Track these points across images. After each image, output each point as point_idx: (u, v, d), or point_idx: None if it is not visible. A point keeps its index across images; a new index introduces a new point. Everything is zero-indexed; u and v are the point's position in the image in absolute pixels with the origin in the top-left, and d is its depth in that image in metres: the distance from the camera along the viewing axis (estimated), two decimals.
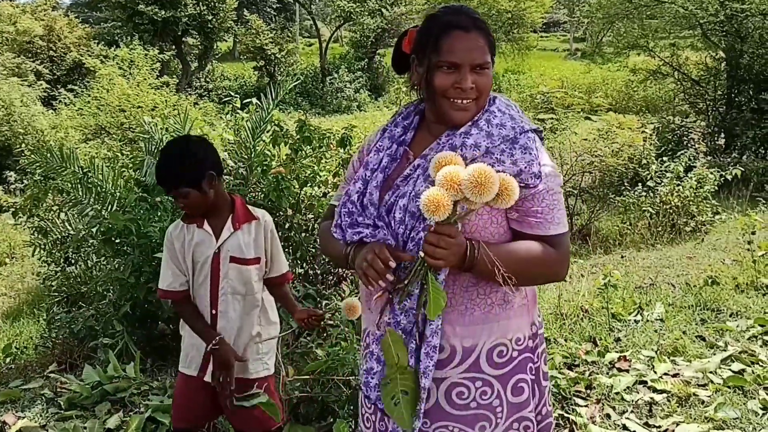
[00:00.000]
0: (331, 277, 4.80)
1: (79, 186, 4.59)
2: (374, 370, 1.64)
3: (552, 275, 1.62)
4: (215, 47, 30.96)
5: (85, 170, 4.62)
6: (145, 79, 15.42)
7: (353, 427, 3.26)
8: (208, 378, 2.45)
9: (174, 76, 19.01)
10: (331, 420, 3.33)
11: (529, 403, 1.63)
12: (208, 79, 28.10)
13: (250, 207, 2.50)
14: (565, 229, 1.59)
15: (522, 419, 1.63)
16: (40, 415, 3.68)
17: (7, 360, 4.96)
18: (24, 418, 3.63)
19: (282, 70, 28.21)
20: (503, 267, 1.45)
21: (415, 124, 1.70)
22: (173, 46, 27.31)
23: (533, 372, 1.66)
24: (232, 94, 6.47)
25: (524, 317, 1.64)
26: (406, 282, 1.50)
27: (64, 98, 17.46)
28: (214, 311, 2.43)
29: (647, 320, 4.42)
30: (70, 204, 4.89)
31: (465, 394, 1.59)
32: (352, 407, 3.34)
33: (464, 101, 1.55)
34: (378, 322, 1.61)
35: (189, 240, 2.43)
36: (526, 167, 1.52)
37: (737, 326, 4.20)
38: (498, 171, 1.45)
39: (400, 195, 1.57)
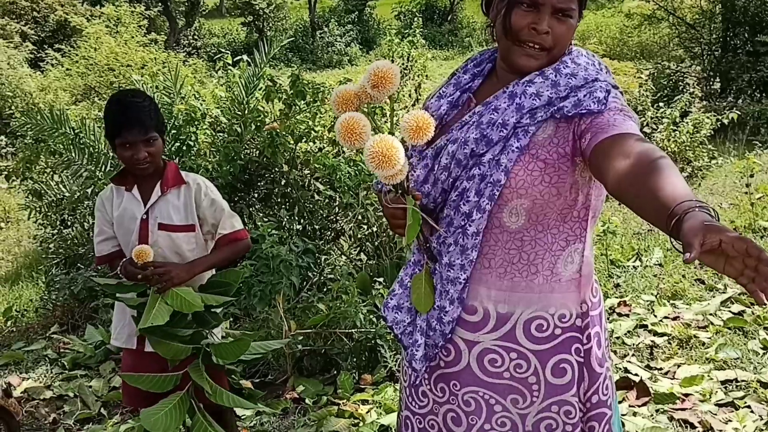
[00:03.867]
0: (329, 232, 4.79)
1: (72, 147, 4.55)
2: (395, 292, 1.63)
3: None
4: (202, 3, 30.36)
5: (76, 131, 4.57)
6: (132, 37, 15.05)
7: (357, 378, 3.29)
8: (149, 348, 2.25)
9: (161, 34, 18.57)
10: (335, 372, 3.37)
11: (572, 387, 1.50)
12: (196, 37, 27.57)
13: (182, 172, 2.35)
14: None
15: (563, 403, 1.50)
16: (45, 376, 3.70)
17: (9, 323, 4.98)
18: (29, 379, 3.66)
19: (270, 25, 27.73)
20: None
21: (486, 72, 1.57)
22: (159, 2, 26.77)
23: (580, 354, 1.51)
24: (222, 50, 6.35)
25: (572, 293, 1.49)
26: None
27: (52, 59, 17.11)
28: None
29: (646, 265, 4.44)
30: (63, 165, 4.85)
31: (498, 362, 1.50)
32: (355, 359, 3.37)
33: (536, 47, 1.42)
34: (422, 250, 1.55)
35: (118, 203, 2.31)
36: (586, 95, 1.38)
37: None
38: (555, 116, 1.39)
39: (451, 140, 1.47)
